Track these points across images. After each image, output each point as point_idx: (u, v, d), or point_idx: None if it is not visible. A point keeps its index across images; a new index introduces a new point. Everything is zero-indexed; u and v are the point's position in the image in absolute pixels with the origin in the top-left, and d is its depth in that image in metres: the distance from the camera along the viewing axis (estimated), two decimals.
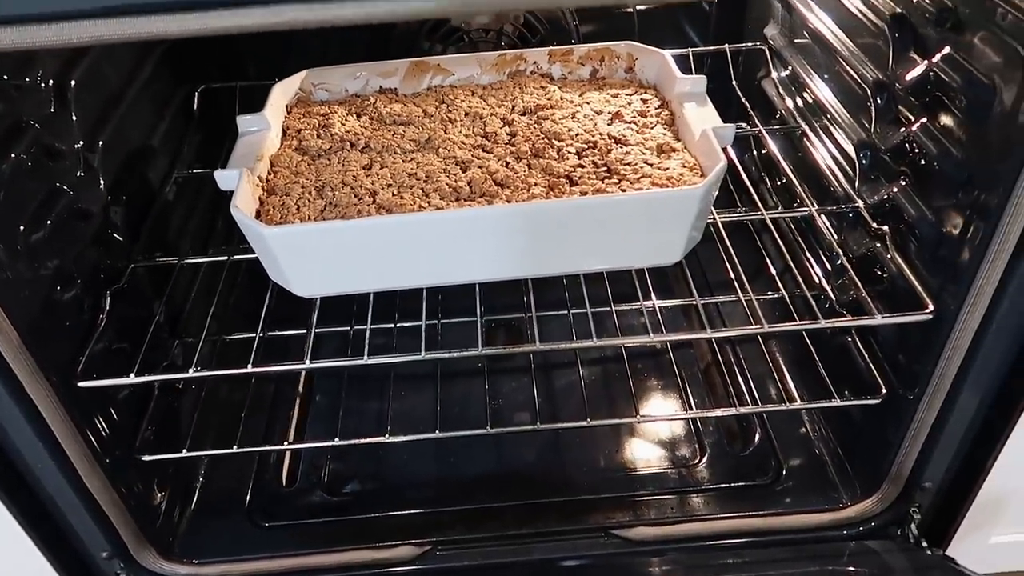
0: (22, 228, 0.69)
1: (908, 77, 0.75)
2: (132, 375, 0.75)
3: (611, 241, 0.76)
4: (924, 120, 0.74)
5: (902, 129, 0.77)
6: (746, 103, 1.12)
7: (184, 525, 0.92)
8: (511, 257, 0.77)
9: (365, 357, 0.77)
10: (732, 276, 0.94)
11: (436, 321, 1.00)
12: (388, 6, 0.50)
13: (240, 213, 0.73)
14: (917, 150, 0.75)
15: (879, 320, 0.76)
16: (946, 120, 0.71)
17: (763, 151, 1.17)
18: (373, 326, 0.88)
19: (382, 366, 0.89)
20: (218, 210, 1.11)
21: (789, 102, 1.09)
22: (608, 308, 0.96)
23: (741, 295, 0.90)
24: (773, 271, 1.04)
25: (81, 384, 0.73)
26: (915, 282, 0.75)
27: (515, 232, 0.74)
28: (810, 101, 1.02)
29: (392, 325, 0.98)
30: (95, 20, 0.49)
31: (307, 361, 0.77)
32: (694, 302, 0.89)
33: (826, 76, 0.97)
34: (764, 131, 1.04)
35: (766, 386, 1.01)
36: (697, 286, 0.90)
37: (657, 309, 0.97)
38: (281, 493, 0.96)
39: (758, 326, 0.78)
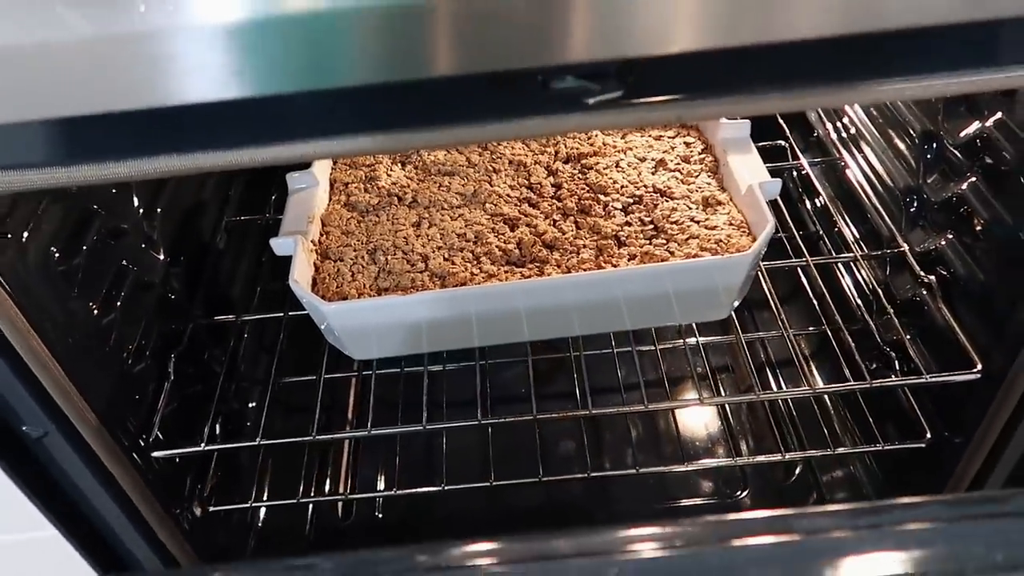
0: (96, 313, 0.71)
1: (960, 134, 0.75)
2: (203, 444, 0.78)
3: (661, 303, 0.78)
4: (974, 180, 0.74)
5: (951, 184, 0.77)
6: (783, 124, 1.11)
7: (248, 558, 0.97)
8: (561, 321, 0.79)
9: (424, 423, 0.80)
10: (768, 297, 0.94)
11: (485, 361, 1.01)
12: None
13: (300, 288, 0.75)
14: (966, 208, 0.75)
15: (926, 380, 0.77)
16: (998, 185, 0.71)
17: (802, 172, 1.17)
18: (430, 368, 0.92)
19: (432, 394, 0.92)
20: (264, 248, 1.13)
21: (829, 126, 1.08)
22: (652, 347, 0.98)
23: (784, 330, 0.92)
24: (811, 294, 1.04)
25: (156, 454, 0.77)
26: (963, 337, 0.76)
27: (567, 300, 0.76)
28: (852, 132, 1.01)
29: (442, 368, 1.01)
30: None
31: (369, 429, 0.80)
32: (735, 338, 0.92)
33: (872, 111, 0.96)
34: (806, 163, 1.04)
35: (808, 416, 1.02)
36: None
37: (700, 346, 0.99)
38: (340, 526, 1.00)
39: (808, 388, 0.80)
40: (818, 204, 1.13)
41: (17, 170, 0.46)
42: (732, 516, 0.40)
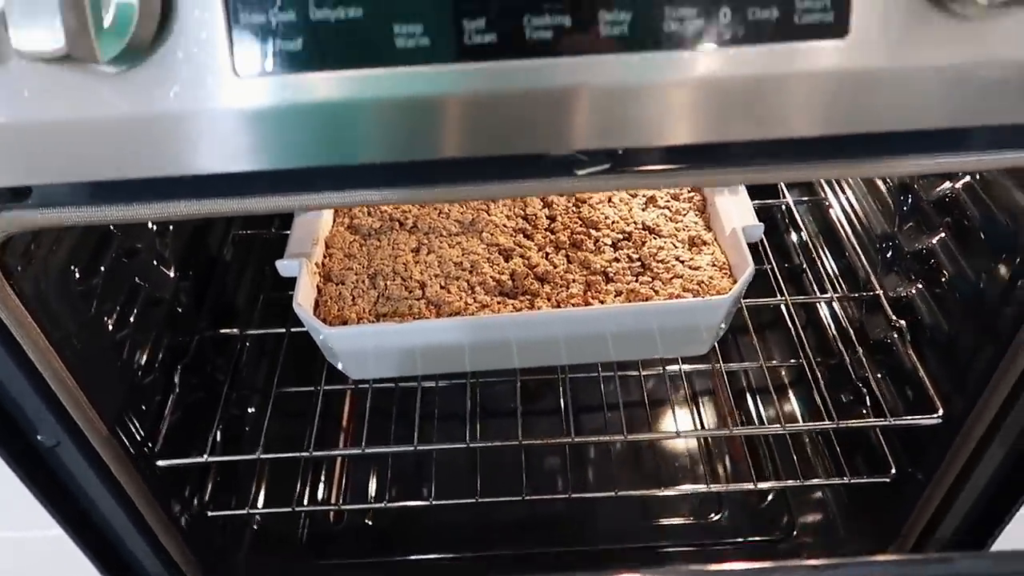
0: (110, 329, 0.76)
1: (933, 191, 0.79)
2: (206, 455, 0.82)
3: (644, 339, 0.82)
4: (943, 235, 0.78)
5: (923, 237, 0.82)
6: None
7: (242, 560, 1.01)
8: (550, 351, 0.83)
9: (415, 444, 0.84)
10: (750, 329, 0.99)
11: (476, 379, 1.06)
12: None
13: (303, 312, 0.79)
14: (935, 261, 0.80)
15: (890, 423, 0.81)
16: (964, 243, 0.75)
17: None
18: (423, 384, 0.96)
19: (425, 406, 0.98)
20: (268, 259, 1.17)
21: None
22: (636, 372, 1.02)
23: (763, 361, 0.97)
24: (791, 325, 1.08)
25: (160, 463, 0.81)
26: (927, 382, 0.81)
27: (555, 333, 0.80)
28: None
29: (435, 384, 1.05)
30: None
31: (363, 447, 0.84)
32: (717, 365, 0.97)
33: None
34: (791, 200, 1.08)
35: (783, 443, 1.07)
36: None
37: (682, 373, 1.03)
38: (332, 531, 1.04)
39: (779, 426, 0.85)
40: (803, 239, 1.18)
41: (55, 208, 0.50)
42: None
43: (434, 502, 0.91)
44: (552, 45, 0.40)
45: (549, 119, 0.42)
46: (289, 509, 0.92)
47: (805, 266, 1.12)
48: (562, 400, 1.00)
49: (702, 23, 0.39)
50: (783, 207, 1.24)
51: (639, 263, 0.85)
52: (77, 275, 0.71)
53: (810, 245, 1.10)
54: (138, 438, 0.80)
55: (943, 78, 0.40)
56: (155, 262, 0.86)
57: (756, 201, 0.93)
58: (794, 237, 1.19)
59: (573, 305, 0.80)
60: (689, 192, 0.94)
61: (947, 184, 0.77)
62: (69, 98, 0.40)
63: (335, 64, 0.40)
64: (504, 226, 0.91)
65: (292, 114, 0.41)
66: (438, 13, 0.39)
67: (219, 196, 0.53)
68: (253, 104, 0.41)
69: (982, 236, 0.72)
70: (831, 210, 1.06)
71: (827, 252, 1.07)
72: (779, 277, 1.04)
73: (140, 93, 0.40)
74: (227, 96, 0.40)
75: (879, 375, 0.90)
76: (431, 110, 0.41)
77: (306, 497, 1.02)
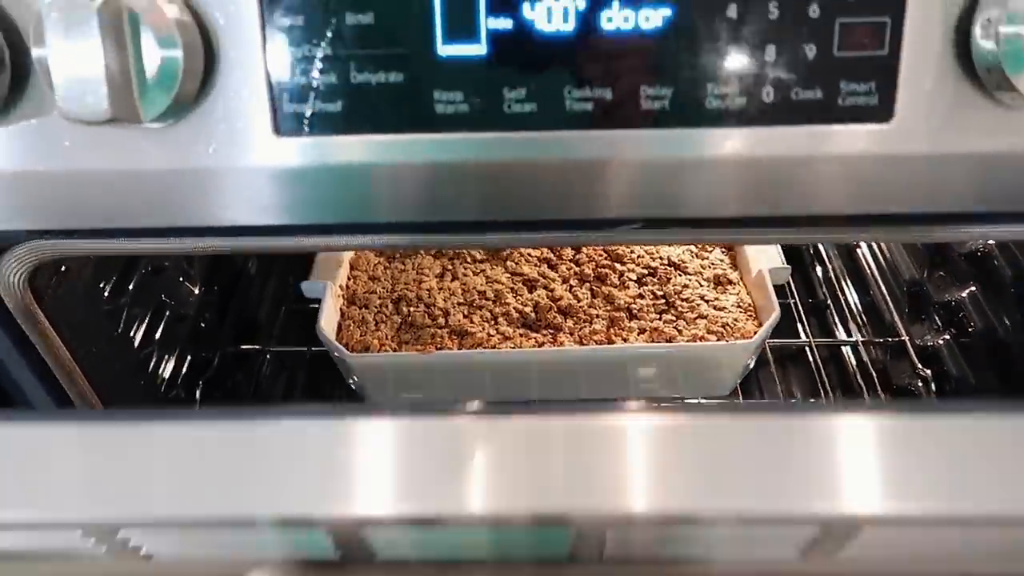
0: (135, 346, 0.76)
1: (966, 245, 0.78)
2: None
3: (665, 378, 0.82)
4: (974, 289, 0.77)
5: (953, 288, 0.81)
6: None
7: None
8: (570, 385, 0.83)
9: None
10: (770, 358, 0.98)
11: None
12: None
13: (326, 337, 0.79)
14: (963, 314, 0.79)
15: None
16: (996, 298, 0.74)
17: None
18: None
19: None
20: (291, 273, 1.17)
21: None
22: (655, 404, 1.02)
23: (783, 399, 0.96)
24: (813, 363, 1.07)
25: None
26: None
27: (577, 368, 0.80)
28: None
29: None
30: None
31: None
32: (736, 401, 0.96)
33: None
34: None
35: None
36: None
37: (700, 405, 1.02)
38: None
39: None
40: (829, 274, 1.17)
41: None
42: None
43: None
44: (592, 117, 0.39)
45: (584, 189, 0.42)
46: None
47: (829, 301, 1.11)
48: None
49: (744, 101, 0.39)
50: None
51: (663, 300, 0.85)
52: (105, 294, 0.72)
53: (835, 281, 1.09)
54: None
55: (985, 166, 0.40)
56: (181, 279, 0.86)
57: None
58: (819, 271, 1.18)
59: (596, 342, 0.80)
60: None
61: (980, 240, 0.76)
62: (109, 149, 0.41)
63: (374, 128, 0.40)
64: (528, 255, 0.91)
65: (328, 175, 0.41)
66: (478, 81, 0.39)
67: (246, 235, 0.54)
68: (290, 163, 0.41)
69: (1013, 292, 0.71)
70: (858, 249, 1.05)
71: (852, 289, 1.05)
72: (803, 313, 1.03)
73: (180, 148, 0.40)
74: (265, 155, 0.41)
75: None
76: (467, 176, 0.41)
77: None
